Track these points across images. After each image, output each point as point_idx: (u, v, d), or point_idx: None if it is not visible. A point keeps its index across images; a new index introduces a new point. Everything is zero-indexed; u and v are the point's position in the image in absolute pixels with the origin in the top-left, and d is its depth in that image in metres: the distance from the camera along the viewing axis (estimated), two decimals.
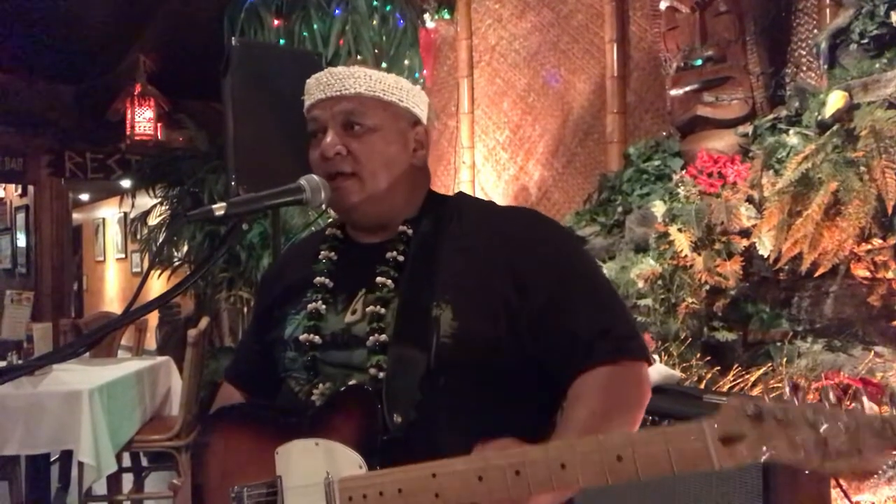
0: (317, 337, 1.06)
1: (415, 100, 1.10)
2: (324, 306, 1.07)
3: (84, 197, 10.48)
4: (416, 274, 1.04)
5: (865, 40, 3.01)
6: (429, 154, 1.14)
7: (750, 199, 3.06)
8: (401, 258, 1.05)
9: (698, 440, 0.69)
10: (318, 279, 1.09)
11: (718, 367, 2.89)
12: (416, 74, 4.75)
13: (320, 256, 1.12)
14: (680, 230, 3.10)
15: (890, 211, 2.55)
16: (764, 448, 0.65)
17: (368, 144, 1.04)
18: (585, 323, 0.98)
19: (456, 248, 1.05)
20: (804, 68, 3.56)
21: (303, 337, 1.06)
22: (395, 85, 1.07)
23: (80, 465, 2.65)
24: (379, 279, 1.04)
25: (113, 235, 10.79)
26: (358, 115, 1.04)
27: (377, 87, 1.05)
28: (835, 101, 2.79)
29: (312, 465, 0.95)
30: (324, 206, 1.08)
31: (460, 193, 1.19)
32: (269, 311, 1.18)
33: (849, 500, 2.04)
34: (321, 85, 1.07)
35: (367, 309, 1.03)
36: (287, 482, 0.98)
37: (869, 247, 2.65)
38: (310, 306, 1.07)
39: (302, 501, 0.95)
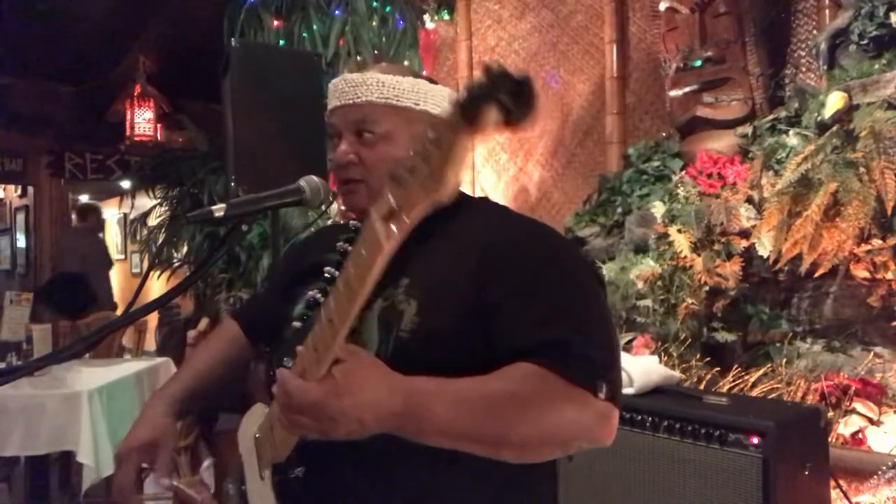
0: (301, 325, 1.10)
1: (435, 100, 1.09)
2: (321, 296, 1.09)
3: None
4: (393, 264, 1.05)
5: (865, 41, 3.01)
6: None
7: (749, 200, 3.06)
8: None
9: (370, 228, 0.73)
10: (326, 268, 1.11)
11: (718, 368, 2.89)
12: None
13: (337, 246, 1.14)
14: (679, 231, 3.10)
15: (889, 212, 2.55)
16: (412, 202, 0.68)
17: (378, 152, 1.05)
18: (533, 327, 0.92)
19: (442, 244, 1.04)
20: (804, 69, 3.57)
21: (295, 324, 1.11)
22: (411, 89, 1.07)
23: (80, 466, 2.65)
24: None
25: (113, 236, 10.78)
26: (369, 123, 1.05)
27: (389, 94, 1.05)
28: (834, 101, 2.79)
29: (251, 432, 1.05)
30: (323, 207, 1.09)
31: (484, 198, 1.19)
32: (286, 282, 1.22)
33: (848, 500, 2.04)
34: (337, 92, 1.08)
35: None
36: (245, 457, 1.07)
37: (868, 247, 2.65)
38: (308, 294, 1.10)
39: (252, 466, 1.04)
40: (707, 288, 3.00)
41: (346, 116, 1.07)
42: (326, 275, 1.10)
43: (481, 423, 0.84)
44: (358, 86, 1.06)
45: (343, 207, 1.12)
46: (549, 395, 0.86)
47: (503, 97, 0.61)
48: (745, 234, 3.01)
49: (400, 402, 0.80)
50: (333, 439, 0.80)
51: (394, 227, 0.69)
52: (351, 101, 1.06)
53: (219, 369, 1.27)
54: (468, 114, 0.61)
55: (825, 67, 3.21)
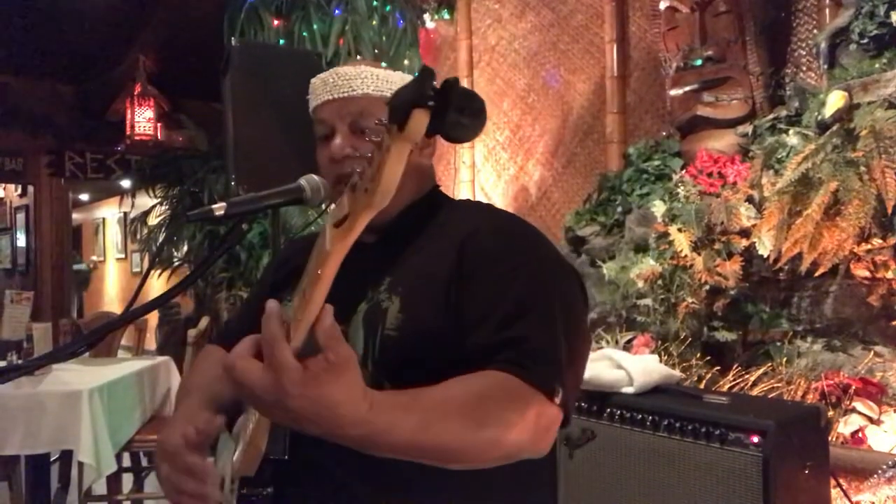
0: None
1: None
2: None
3: (84, 197, 10.49)
4: (376, 263, 1.02)
5: (865, 40, 3.01)
6: (435, 151, 1.13)
7: (750, 199, 3.06)
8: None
9: (322, 235, 0.71)
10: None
11: (718, 367, 2.89)
12: (416, 74, 4.77)
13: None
14: (680, 230, 3.10)
15: (890, 211, 2.55)
16: (355, 210, 0.66)
17: None
18: (498, 324, 0.90)
19: (423, 242, 1.03)
20: (804, 68, 3.57)
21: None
22: (401, 83, 1.07)
23: (80, 465, 2.65)
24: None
25: (113, 235, 10.80)
26: (366, 116, 1.03)
27: (384, 87, 1.04)
28: (834, 101, 2.79)
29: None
30: (323, 206, 1.08)
31: (467, 199, 1.17)
32: (267, 291, 1.19)
33: (848, 499, 2.04)
34: (328, 86, 1.06)
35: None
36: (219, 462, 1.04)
37: (869, 247, 2.65)
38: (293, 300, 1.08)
39: (226, 473, 1.00)
40: (707, 287, 3.00)
41: (342, 110, 1.04)
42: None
43: (435, 445, 0.79)
44: (353, 79, 1.04)
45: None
46: (505, 410, 0.82)
47: (435, 103, 0.59)
48: (745, 233, 3.01)
49: (357, 434, 0.73)
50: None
51: (338, 237, 0.68)
52: (346, 95, 1.04)
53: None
54: (397, 118, 0.59)
55: (825, 66, 3.21)
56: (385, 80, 1.04)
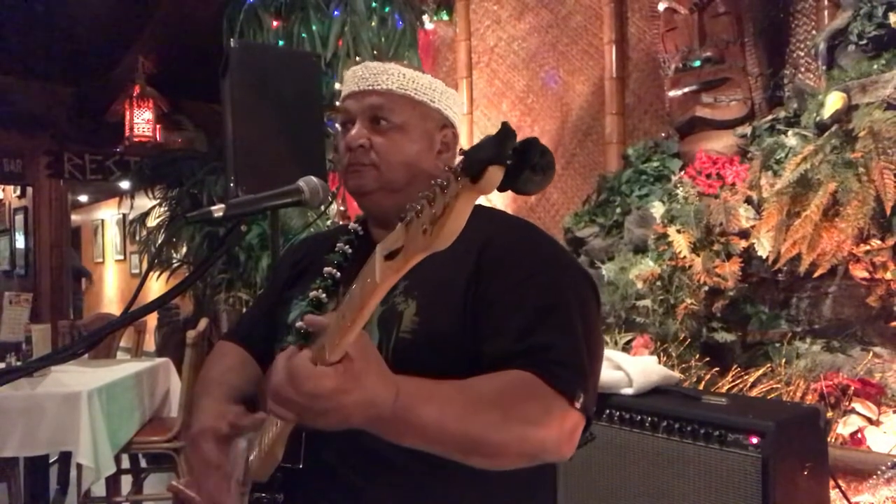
0: None
1: (448, 102, 1.11)
2: (325, 295, 1.07)
3: (83, 198, 10.48)
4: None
5: (864, 41, 3.02)
6: (455, 157, 1.13)
7: (748, 200, 3.06)
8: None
9: (371, 264, 0.71)
10: (326, 269, 1.09)
11: (717, 368, 2.89)
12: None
13: (336, 248, 1.13)
14: (679, 231, 3.10)
15: (888, 212, 2.55)
16: (412, 248, 0.66)
17: (391, 140, 1.06)
18: (520, 332, 0.91)
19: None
20: (803, 69, 3.57)
21: (299, 324, 1.07)
22: (429, 85, 1.09)
23: (79, 466, 2.65)
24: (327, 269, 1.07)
25: (112, 237, 10.79)
26: (385, 111, 1.05)
27: (409, 86, 1.07)
28: (833, 102, 2.79)
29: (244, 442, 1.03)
30: (322, 208, 1.08)
31: (479, 204, 1.18)
32: (280, 288, 1.20)
33: (847, 500, 2.04)
34: (356, 78, 1.09)
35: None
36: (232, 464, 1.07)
37: (867, 248, 2.65)
38: (311, 294, 1.07)
39: (238, 475, 1.02)
40: (706, 288, 3.00)
41: (364, 101, 1.07)
42: (326, 275, 1.09)
43: (461, 433, 0.81)
44: (379, 74, 1.07)
45: (349, 184, 1.10)
46: (530, 407, 0.84)
47: (511, 161, 0.60)
48: (744, 234, 3.01)
49: (389, 408, 0.76)
50: (309, 427, 0.76)
51: (390, 270, 0.68)
52: (371, 88, 1.06)
53: (239, 382, 1.14)
54: (472, 171, 0.60)
55: (824, 68, 3.22)
56: (411, 80, 1.07)
